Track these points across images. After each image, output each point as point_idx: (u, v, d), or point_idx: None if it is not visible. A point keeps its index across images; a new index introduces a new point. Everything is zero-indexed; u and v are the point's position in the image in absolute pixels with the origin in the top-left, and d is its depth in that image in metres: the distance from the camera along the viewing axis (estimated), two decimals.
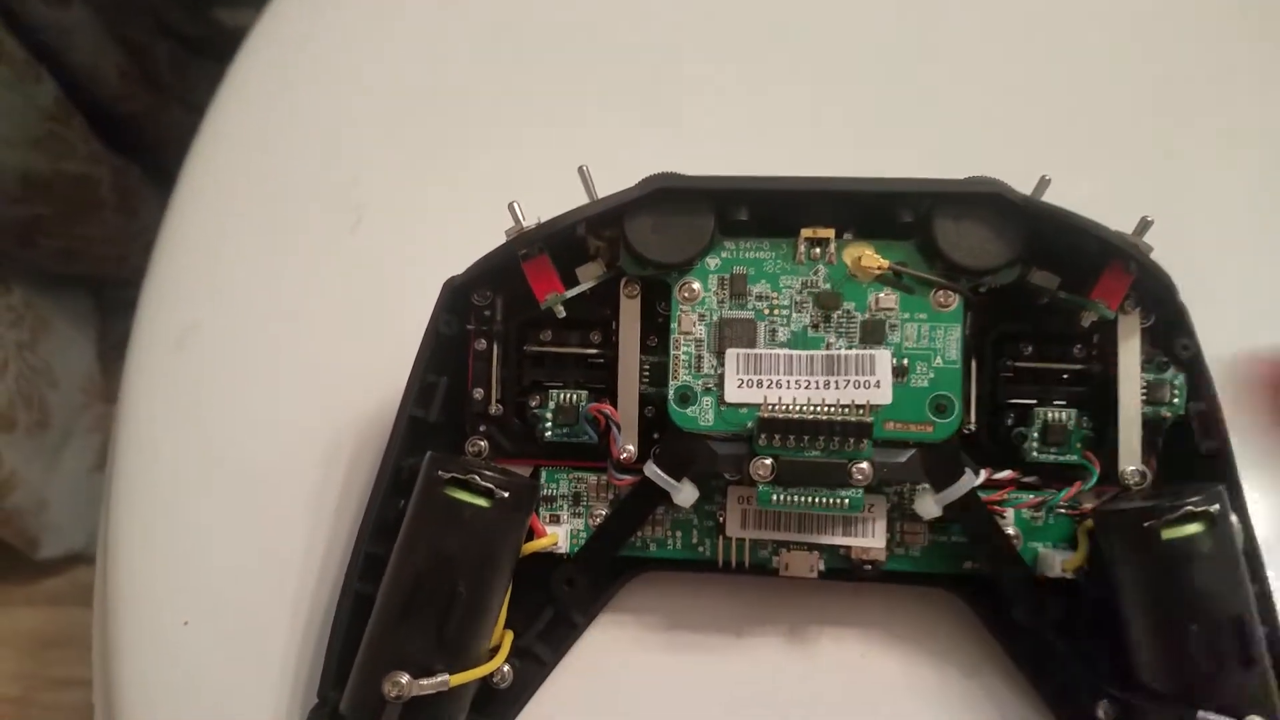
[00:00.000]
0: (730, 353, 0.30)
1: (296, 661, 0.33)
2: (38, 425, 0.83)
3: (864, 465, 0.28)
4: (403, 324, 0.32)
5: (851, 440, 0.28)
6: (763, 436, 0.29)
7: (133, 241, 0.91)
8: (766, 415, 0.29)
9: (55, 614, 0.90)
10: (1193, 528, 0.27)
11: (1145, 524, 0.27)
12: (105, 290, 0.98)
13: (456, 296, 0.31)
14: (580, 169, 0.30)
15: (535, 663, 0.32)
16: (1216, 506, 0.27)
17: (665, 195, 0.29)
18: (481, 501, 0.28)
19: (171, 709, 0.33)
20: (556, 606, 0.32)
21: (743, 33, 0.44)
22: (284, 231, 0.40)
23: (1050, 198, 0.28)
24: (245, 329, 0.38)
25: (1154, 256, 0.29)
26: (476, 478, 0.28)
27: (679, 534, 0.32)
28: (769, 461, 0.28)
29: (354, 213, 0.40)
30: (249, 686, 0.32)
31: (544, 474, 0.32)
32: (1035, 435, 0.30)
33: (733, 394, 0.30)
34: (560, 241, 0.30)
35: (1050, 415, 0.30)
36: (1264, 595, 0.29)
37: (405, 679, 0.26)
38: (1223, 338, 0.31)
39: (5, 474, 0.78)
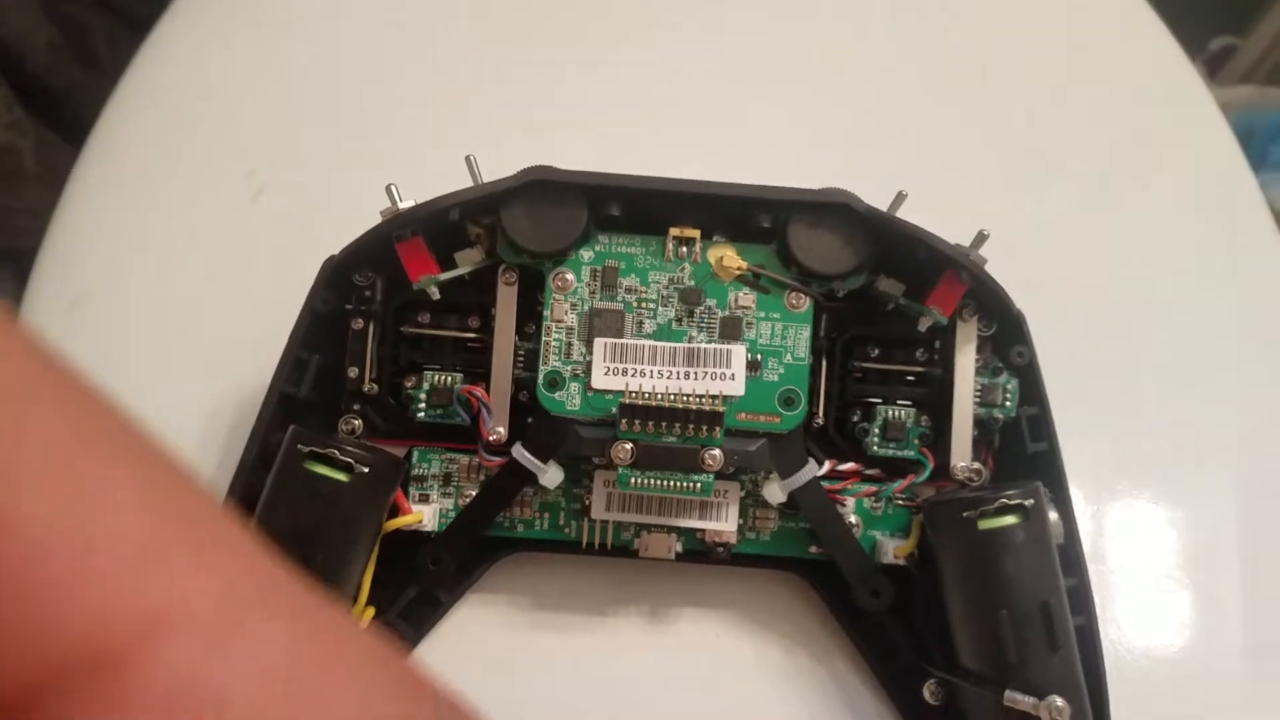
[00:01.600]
0: (599, 341, 0.31)
1: None
2: None
3: (716, 452, 0.30)
4: (294, 301, 0.33)
5: (705, 428, 0.30)
6: (624, 421, 0.30)
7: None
8: (629, 401, 0.30)
9: None
10: (1008, 519, 0.29)
11: (964, 514, 0.29)
12: (27, 262, 0.95)
13: (336, 275, 0.32)
14: (467, 158, 0.31)
15: (397, 640, 0.33)
16: (1031, 501, 0.29)
17: (540, 187, 0.30)
18: (340, 476, 0.29)
19: None
20: (420, 584, 0.33)
21: (632, 31, 0.46)
22: (184, 205, 0.41)
23: (911, 209, 0.31)
24: (137, 298, 0.39)
25: (1005, 264, 0.31)
26: (336, 452, 0.28)
27: (546, 515, 0.33)
28: (629, 446, 0.30)
29: (255, 190, 0.41)
30: None
31: (416, 454, 0.33)
32: (877, 431, 0.32)
33: (599, 380, 0.31)
34: (437, 226, 0.31)
35: (891, 413, 0.32)
36: (1082, 587, 0.31)
37: None
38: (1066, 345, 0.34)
39: None
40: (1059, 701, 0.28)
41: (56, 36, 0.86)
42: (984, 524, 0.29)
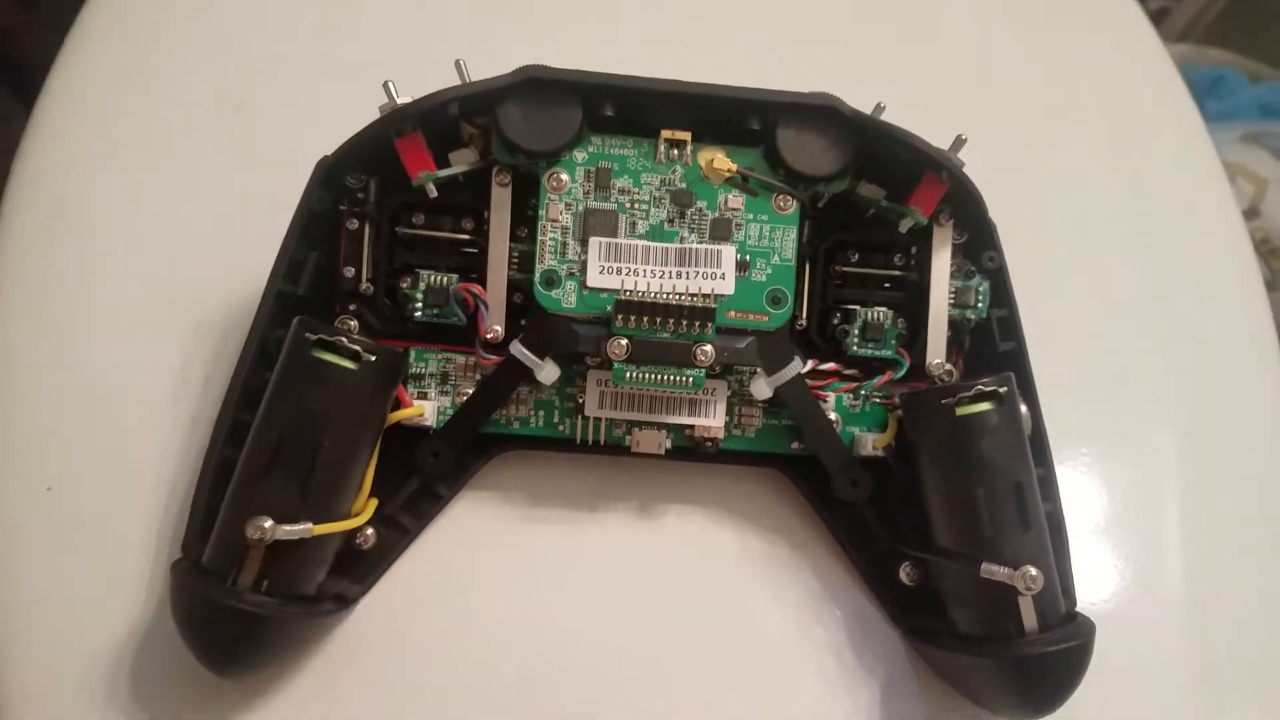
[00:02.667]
0: (593, 241, 0.32)
1: (161, 524, 0.33)
2: None
3: (707, 348, 0.31)
4: (281, 206, 0.33)
5: (697, 324, 0.31)
6: (619, 318, 0.31)
7: None
8: (624, 298, 0.31)
9: None
10: (983, 406, 0.31)
11: (942, 401, 0.31)
12: None
13: (330, 175, 0.32)
14: (457, 62, 0.32)
15: (398, 530, 0.34)
16: (1005, 389, 0.31)
17: (535, 85, 0.31)
18: (348, 363, 0.29)
19: (36, 576, 0.33)
20: (422, 477, 0.34)
21: None
22: (164, 117, 0.40)
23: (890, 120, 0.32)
24: (118, 209, 0.38)
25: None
26: (344, 340, 0.29)
27: (541, 413, 0.34)
28: (624, 341, 0.31)
29: (236, 98, 0.40)
30: (114, 550, 0.33)
31: (413, 354, 0.34)
32: (856, 332, 0.34)
33: (594, 279, 0.32)
34: (434, 124, 0.31)
35: (870, 315, 0.34)
36: (1048, 476, 0.33)
37: (268, 523, 0.28)
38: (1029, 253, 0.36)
39: None
40: (1033, 570, 0.30)
41: None
42: (961, 410, 0.31)
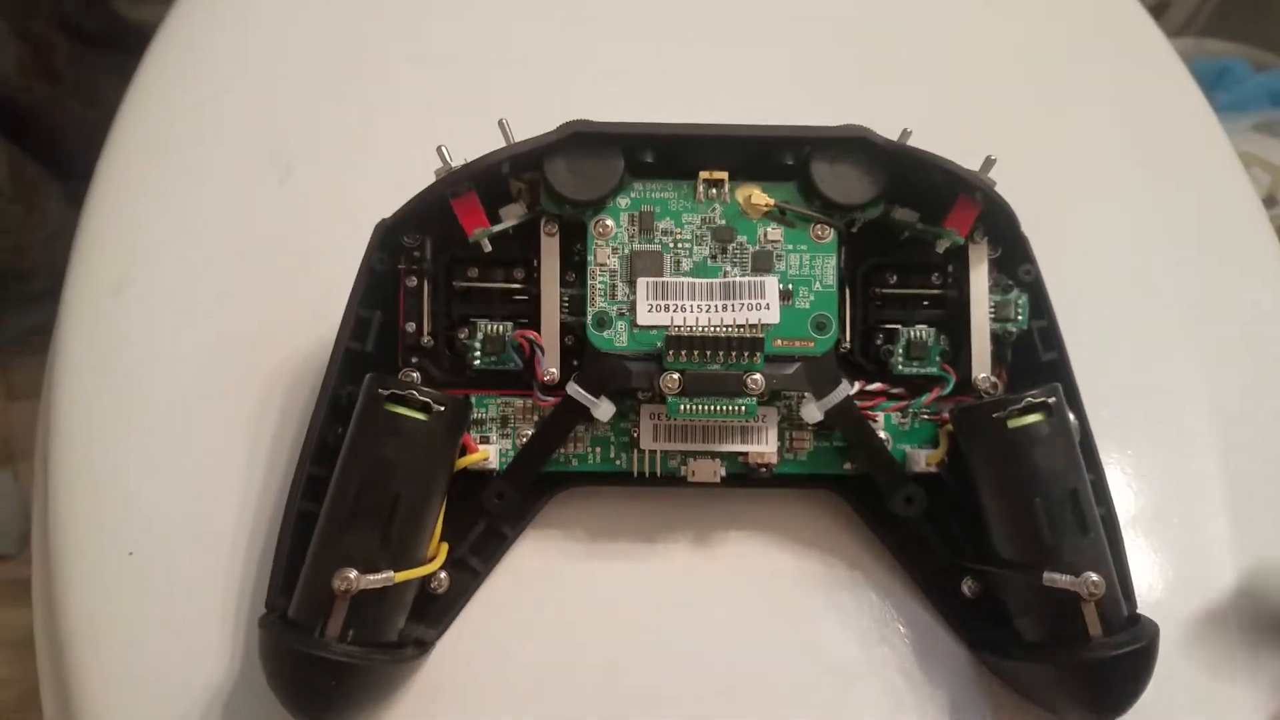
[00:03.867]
0: (641, 281, 0.33)
1: (241, 581, 0.34)
2: None
3: (757, 376, 0.32)
4: (332, 269, 0.34)
5: (746, 354, 0.32)
6: (671, 353, 0.32)
7: (29, 233, 0.89)
8: (674, 334, 0.32)
9: None
10: (1034, 417, 0.32)
11: (994, 415, 0.32)
12: (1, 283, 0.95)
13: (388, 236, 0.34)
14: (500, 122, 0.33)
15: (469, 572, 0.35)
16: (1053, 399, 0.32)
17: (579, 139, 0.32)
18: (419, 415, 0.30)
19: (119, 639, 0.34)
20: (488, 519, 0.35)
21: None
22: (213, 185, 0.42)
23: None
24: (178, 278, 0.40)
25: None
26: (415, 393, 0.30)
27: (598, 449, 0.35)
28: (677, 375, 0.32)
29: (282, 167, 0.42)
30: (196, 611, 0.34)
31: (473, 400, 0.35)
32: (900, 351, 0.35)
33: (644, 317, 0.33)
34: (485, 183, 0.33)
35: (913, 334, 0.35)
36: (1099, 480, 0.34)
37: (353, 574, 0.29)
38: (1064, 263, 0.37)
39: None
40: (1094, 576, 0.30)
41: (25, 55, 0.87)
42: (1013, 422, 0.32)
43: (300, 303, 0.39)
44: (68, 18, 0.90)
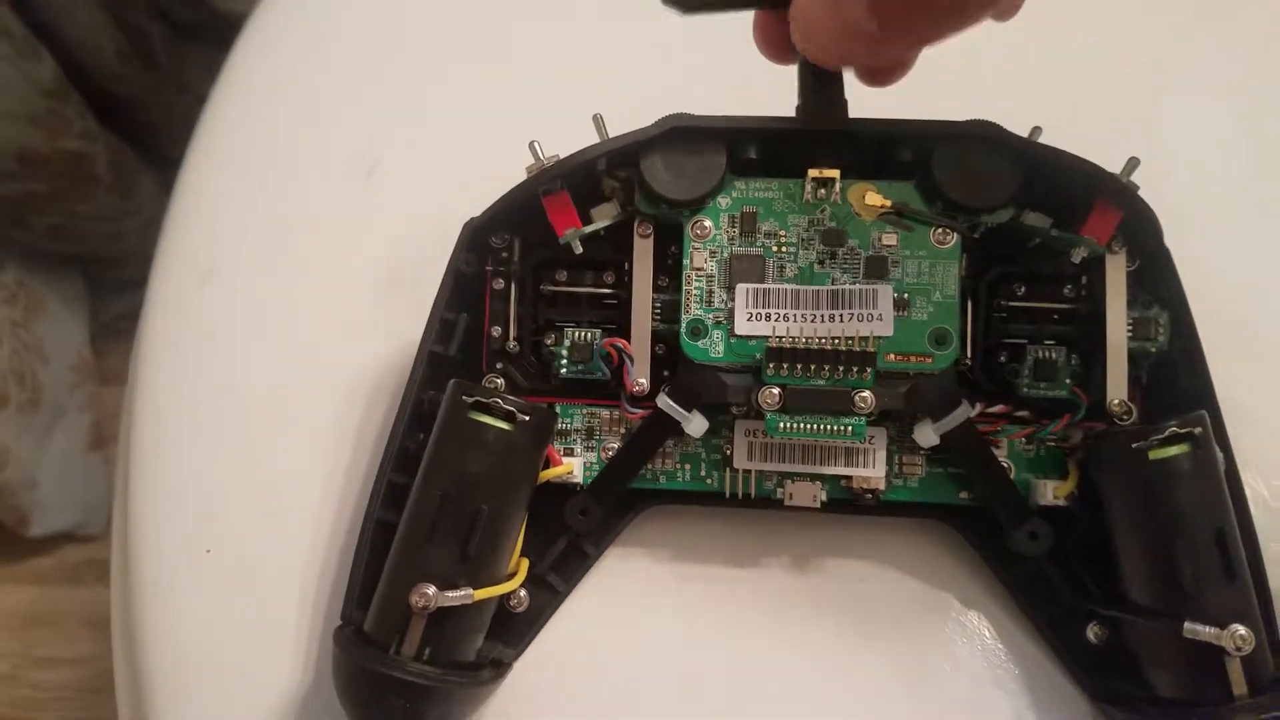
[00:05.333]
0: (740, 287, 0.31)
1: (317, 588, 0.34)
2: (29, 403, 0.84)
3: (867, 394, 0.30)
4: (417, 269, 0.33)
5: (855, 369, 0.30)
6: (771, 366, 0.30)
7: (126, 220, 0.92)
8: (775, 345, 0.30)
9: (41, 593, 0.89)
10: (1177, 448, 0.29)
11: (1134, 445, 0.29)
12: (96, 270, 0.98)
13: (476, 237, 0.32)
14: (595, 117, 0.31)
15: (549, 591, 0.33)
16: (1199, 429, 0.29)
17: (679, 134, 0.30)
18: (503, 424, 0.29)
19: (193, 637, 0.33)
20: (570, 536, 0.33)
21: None
22: (299, 180, 0.42)
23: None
24: (262, 273, 0.39)
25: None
26: (499, 401, 0.29)
27: (688, 467, 0.33)
28: (776, 390, 0.30)
29: (368, 163, 0.41)
30: (271, 614, 0.33)
31: (558, 409, 0.33)
32: (1027, 371, 0.32)
33: (742, 326, 0.31)
34: (577, 181, 0.31)
35: (1041, 352, 0.32)
36: (1244, 517, 0.30)
37: (432, 590, 0.27)
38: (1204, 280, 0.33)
39: None
40: (1241, 630, 0.27)
41: (123, 43, 0.88)
42: (1155, 454, 0.28)
43: (384, 302, 0.37)
44: (162, 7, 0.91)
